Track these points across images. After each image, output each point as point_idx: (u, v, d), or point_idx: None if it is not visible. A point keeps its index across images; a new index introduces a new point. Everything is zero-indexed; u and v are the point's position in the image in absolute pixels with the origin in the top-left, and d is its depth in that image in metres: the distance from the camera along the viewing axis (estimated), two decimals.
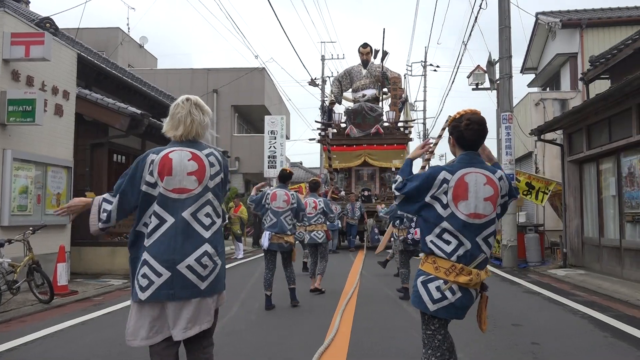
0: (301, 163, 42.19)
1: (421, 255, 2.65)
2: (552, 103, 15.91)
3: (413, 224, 6.83)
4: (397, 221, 7.15)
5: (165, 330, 2.36)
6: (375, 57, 18.30)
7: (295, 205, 6.27)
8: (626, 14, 15.97)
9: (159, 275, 2.26)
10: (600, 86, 12.52)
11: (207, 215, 2.39)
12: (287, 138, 26.63)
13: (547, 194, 11.87)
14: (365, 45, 18.13)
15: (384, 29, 18.27)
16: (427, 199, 2.50)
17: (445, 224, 2.45)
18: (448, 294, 2.43)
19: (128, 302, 6.69)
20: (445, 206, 2.46)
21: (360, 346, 4.61)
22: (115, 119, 10.38)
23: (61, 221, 8.35)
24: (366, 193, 16.79)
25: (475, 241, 2.45)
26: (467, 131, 2.51)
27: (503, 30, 11.89)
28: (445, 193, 2.47)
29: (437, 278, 2.45)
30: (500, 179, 2.54)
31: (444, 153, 39.78)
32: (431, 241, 2.50)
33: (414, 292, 2.55)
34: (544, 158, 15.69)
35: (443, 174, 2.49)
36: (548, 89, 19.07)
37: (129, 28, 29.49)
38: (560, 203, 12.37)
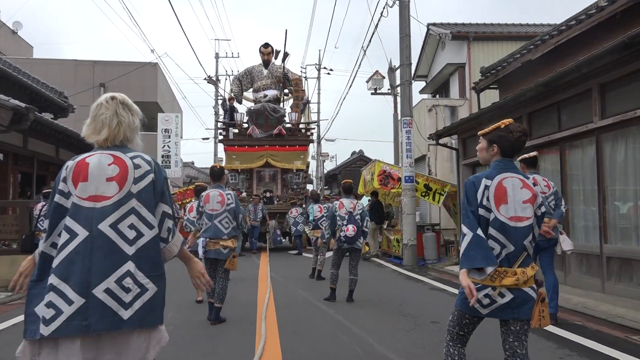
0: (193, 163, 41.00)
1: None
2: (443, 109, 16.95)
3: (345, 222, 6.89)
4: (330, 222, 7.22)
5: None
6: (276, 58, 18.21)
7: (232, 205, 5.71)
8: (507, 30, 17.48)
9: (69, 302, 1.83)
10: (490, 95, 13.57)
11: (131, 226, 1.98)
12: (180, 137, 25.68)
13: (443, 195, 12.59)
14: (266, 45, 17.97)
15: (286, 30, 18.30)
16: (482, 211, 2.57)
17: (490, 230, 2.55)
18: (498, 298, 2.52)
19: (18, 319, 6.05)
20: (489, 211, 2.57)
21: (293, 352, 4.50)
22: None
23: None
24: (268, 194, 16.67)
25: (522, 244, 2.56)
26: (517, 142, 2.66)
27: (404, 38, 12.40)
28: (488, 198, 2.57)
29: (484, 287, 2.53)
30: (534, 184, 2.68)
31: (334, 155, 40.81)
32: None
33: (463, 297, 2.59)
34: (436, 161, 16.66)
35: (484, 182, 2.60)
36: (438, 95, 20.29)
37: None
38: (453, 203, 13.20)
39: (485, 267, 2.48)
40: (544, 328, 5.17)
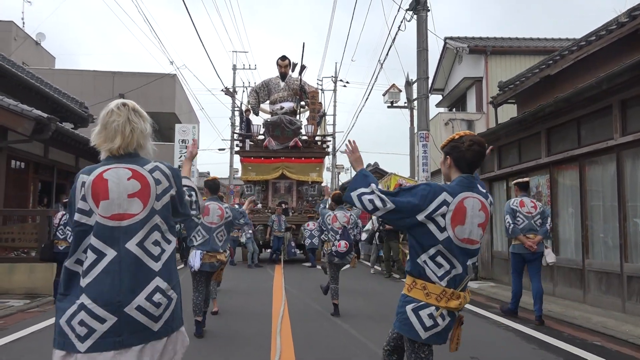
0: (209, 173, 41.30)
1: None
2: (459, 123, 16.88)
3: (338, 237, 6.84)
4: (323, 234, 7.15)
5: None
6: (293, 71, 18.34)
7: (230, 219, 5.76)
8: (524, 44, 17.42)
9: (102, 321, 1.87)
10: (507, 110, 13.49)
11: (156, 243, 2.01)
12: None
13: None
14: (284, 57, 18.11)
15: (303, 43, 18.49)
16: (421, 218, 2.39)
17: (440, 247, 2.40)
18: (439, 320, 2.39)
19: (36, 327, 6.12)
20: (442, 229, 2.38)
21: None
22: (17, 122, 9.44)
23: None
24: (283, 206, 16.68)
25: (466, 265, 2.45)
26: (468, 152, 2.47)
27: (421, 52, 12.42)
28: (444, 216, 2.38)
29: (428, 305, 2.39)
30: (491, 204, 2.55)
31: (349, 167, 40.82)
32: (424, 261, 2.42)
33: (403, 319, 2.45)
34: None
35: (444, 195, 2.40)
36: (455, 109, 20.23)
37: (23, 23, 27.10)
38: None
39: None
40: (563, 348, 5.11)
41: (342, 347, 5.24)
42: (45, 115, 9.52)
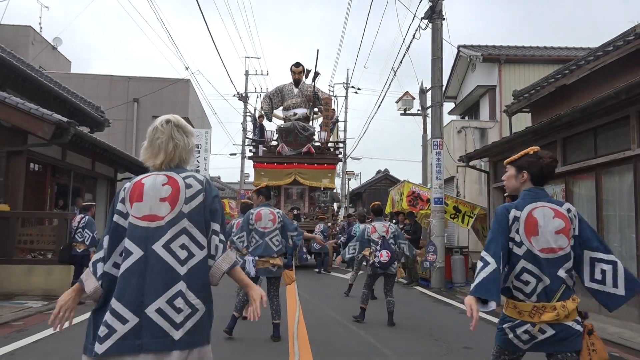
0: (219, 178, 41.52)
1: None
2: (472, 131, 16.87)
3: (379, 247, 6.87)
4: (359, 245, 7.19)
5: None
6: (307, 77, 18.47)
7: (283, 224, 5.88)
8: (539, 53, 17.39)
9: (124, 321, 1.86)
10: (520, 118, 13.48)
11: (183, 246, 2.00)
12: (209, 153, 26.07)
13: (472, 217, 12.48)
14: (297, 64, 18.25)
15: (317, 50, 18.56)
16: (509, 244, 2.49)
17: (523, 262, 2.45)
18: (539, 334, 2.41)
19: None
20: (519, 244, 2.46)
21: None
22: (37, 126, 9.58)
23: None
24: (295, 212, 16.74)
25: (556, 275, 2.44)
26: (547, 167, 2.59)
27: (435, 60, 12.45)
28: (517, 231, 2.48)
29: (524, 322, 2.43)
30: (568, 211, 2.53)
31: (359, 173, 40.71)
32: (511, 282, 2.49)
33: (502, 334, 2.52)
34: (464, 183, 16.54)
35: (513, 213, 2.50)
36: (467, 117, 20.20)
37: (41, 27, 27.48)
38: (482, 226, 13.06)
39: (494, 301, 2.39)
40: None
41: (360, 353, 5.27)
42: (65, 119, 9.66)
